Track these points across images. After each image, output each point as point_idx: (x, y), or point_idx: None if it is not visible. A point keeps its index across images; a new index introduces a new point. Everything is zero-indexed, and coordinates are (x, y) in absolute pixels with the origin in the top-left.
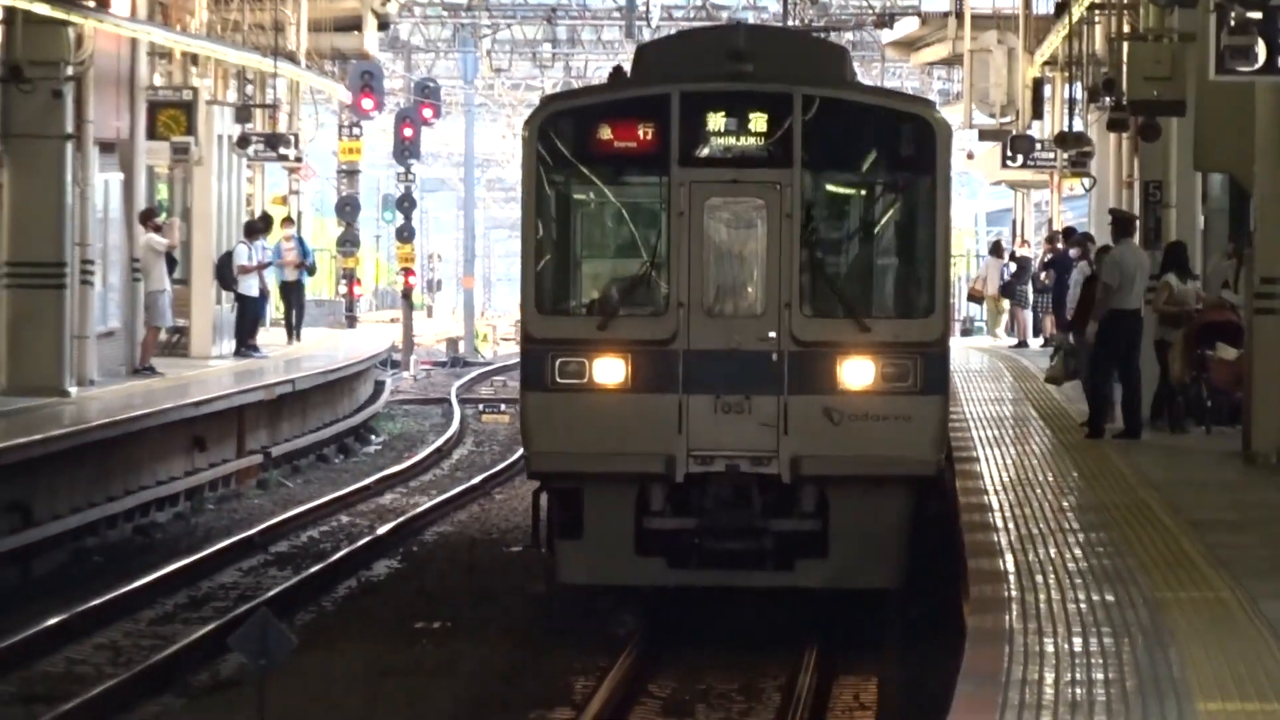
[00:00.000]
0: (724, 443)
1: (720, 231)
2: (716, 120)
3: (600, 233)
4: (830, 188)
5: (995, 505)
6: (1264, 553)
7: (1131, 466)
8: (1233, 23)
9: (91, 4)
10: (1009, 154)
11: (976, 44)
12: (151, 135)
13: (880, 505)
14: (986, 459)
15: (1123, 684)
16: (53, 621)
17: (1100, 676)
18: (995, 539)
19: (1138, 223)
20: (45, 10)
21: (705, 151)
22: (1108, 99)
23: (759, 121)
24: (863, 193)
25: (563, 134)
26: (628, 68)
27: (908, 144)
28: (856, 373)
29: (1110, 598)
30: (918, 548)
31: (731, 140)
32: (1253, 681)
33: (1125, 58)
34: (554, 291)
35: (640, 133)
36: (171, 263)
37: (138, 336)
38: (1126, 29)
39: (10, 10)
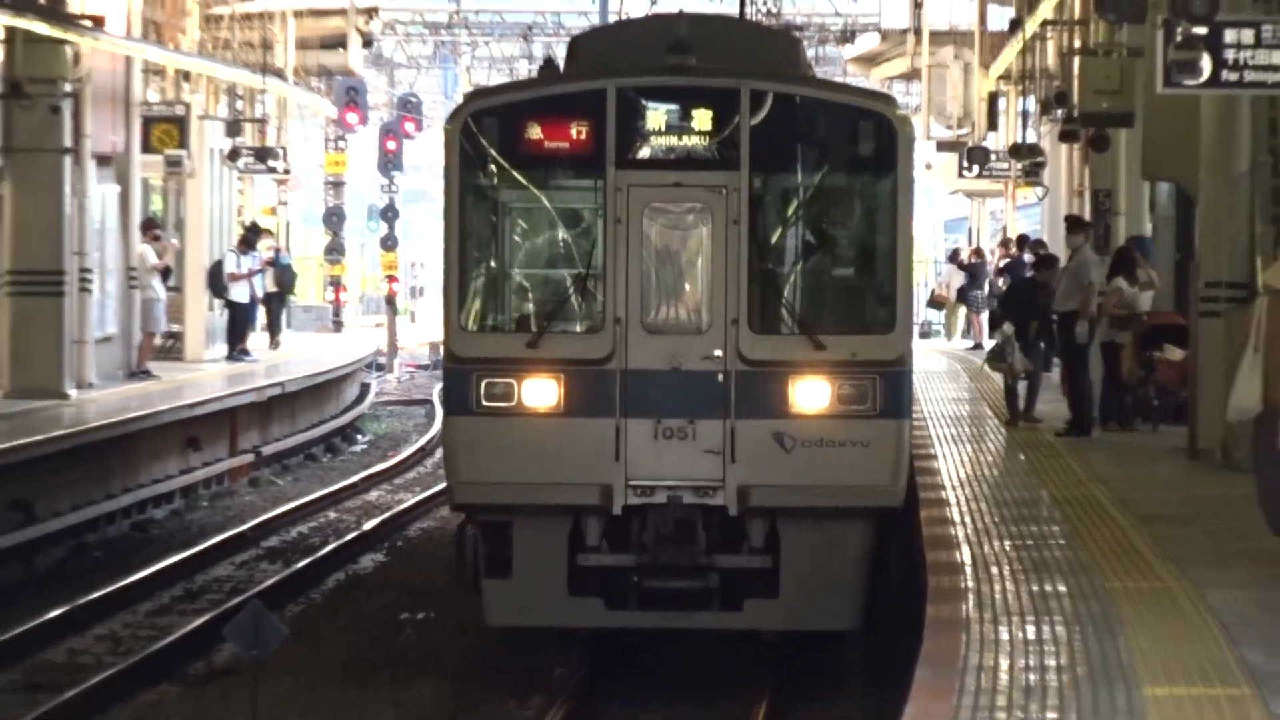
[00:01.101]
0: (665, 471)
1: (661, 240)
2: (657, 118)
3: (530, 242)
4: (782, 191)
5: (952, 500)
6: (1209, 545)
7: (1081, 463)
8: (1179, 38)
9: (88, 24)
10: (965, 164)
11: (934, 59)
12: (146, 149)
13: (837, 539)
14: (944, 456)
15: (1074, 670)
16: (55, 614)
17: (1053, 663)
18: (952, 532)
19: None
20: (44, 29)
21: (644, 152)
22: (1059, 111)
23: (703, 119)
24: (817, 197)
25: (488, 133)
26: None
27: (866, 143)
28: (810, 394)
29: (1062, 588)
30: (879, 586)
31: (673, 140)
32: (1197, 667)
33: (1076, 72)
34: (479, 306)
35: (573, 132)
36: (166, 272)
37: (134, 341)
38: (1078, 44)
39: (11, 29)
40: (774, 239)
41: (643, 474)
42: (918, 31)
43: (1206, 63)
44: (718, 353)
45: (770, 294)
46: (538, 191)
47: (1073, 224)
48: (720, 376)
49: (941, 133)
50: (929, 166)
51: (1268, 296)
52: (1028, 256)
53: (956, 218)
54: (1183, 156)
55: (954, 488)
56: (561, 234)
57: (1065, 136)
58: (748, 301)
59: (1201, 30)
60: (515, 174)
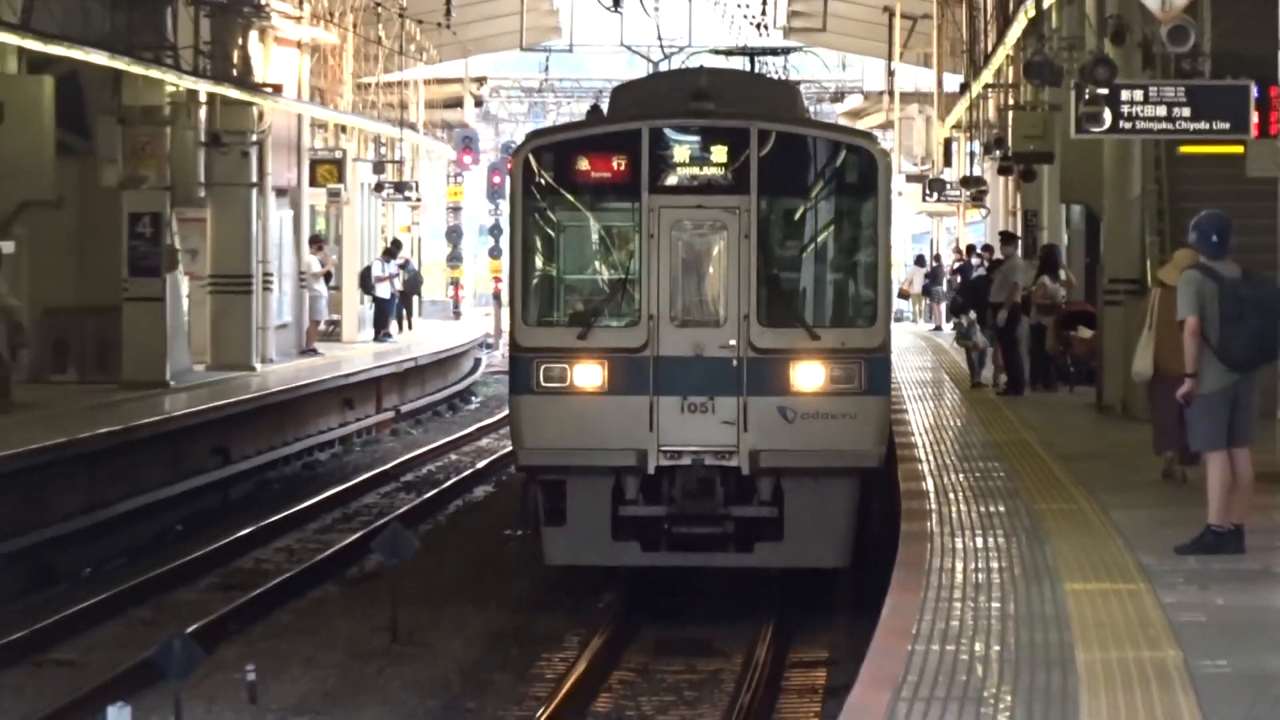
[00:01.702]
0: (690, 439)
1: (686, 251)
2: (682, 152)
3: (579, 252)
4: (784, 211)
5: (919, 444)
6: (1112, 476)
7: (1016, 415)
8: (1087, 97)
9: (269, 90)
10: (927, 192)
11: (903, 113)
12: (313, 183)
13: (830, 493)
14: (912, 410)
15: (1012, 571)
16: (245, 531)
17: (995, 565)
18: (920, 468)
19: (1019, 240)
20: (237, 94)
21: (672, 180)
22: (998, 152)
23: (720, 153)
24: (813, 215)
25: (545, 165)
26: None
27: (852, 172)
28: (808, 376)
29: (1002, 508)
30: (864, 531)
31: (696, 170)
32: (1104, 568)
33: (1010, 122)
34: (538, 306)
35: (614, 164)
36: (327, 275)
37: (303, 327)
38: (1011, 102)
39: (211, 94)
40: (778, 249)
41: (672, 441)
42: (891, 93)
43: (1108, 115)
44: (732, 342)
45: (775, 294)
46: (585, 212)
47: (1005, 238)
48: (735, 361)
49: (909, 168)
50: (900, 194)
51: (1159, 289)
52: (974, 260)
53: (921, 232)
54: (1091, 185)
55: (920, 434)
56: (604, 246)
57: (1002, 170)
58: (757, 300)
59: (1104, 91)
60: (567, 198)
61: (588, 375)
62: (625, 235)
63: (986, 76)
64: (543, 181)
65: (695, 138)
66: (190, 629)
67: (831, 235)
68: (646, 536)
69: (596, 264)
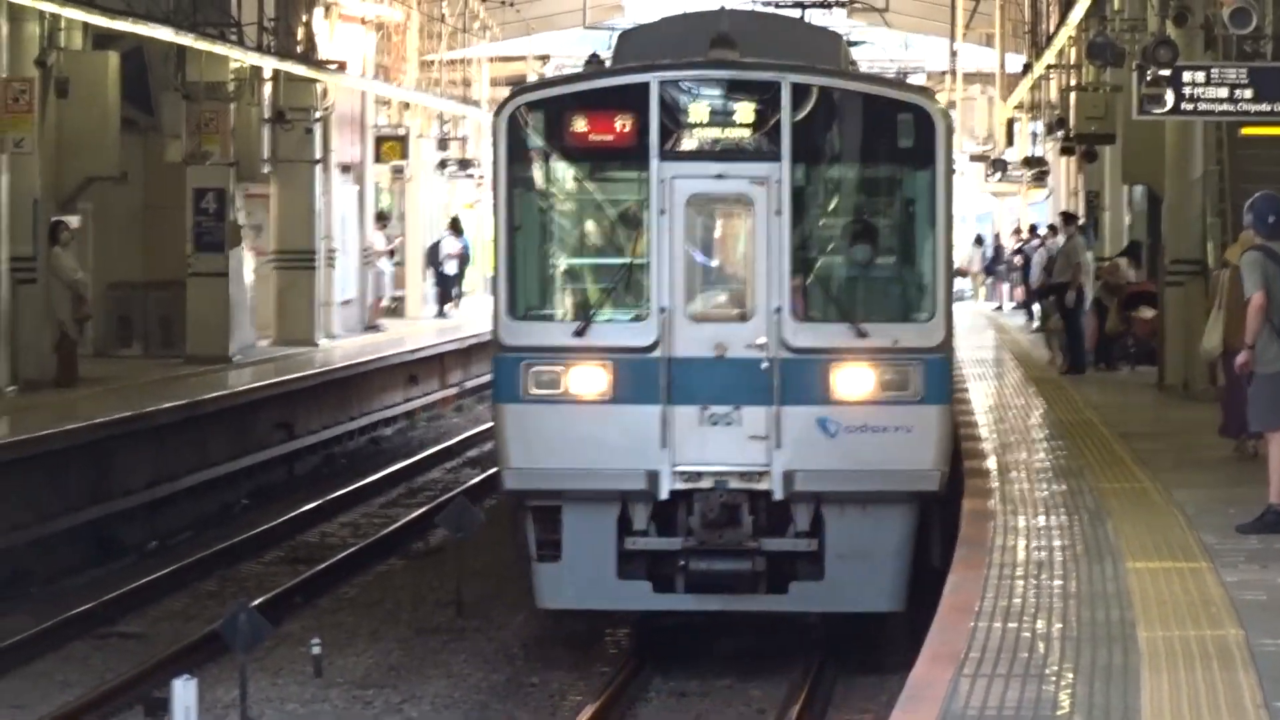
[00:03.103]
0: (711, 457)
1: (704, 230)
2: (699, 110)
3: (576, 232)
4: (823, 182)
5: (981, 423)
6: (1173, 455)
7: (1078, 394)
8: (1149, 78)
9: (333, 67)
10: (990, 172)
11: (966, 94)
12: (377, 160)
13: (880, 523)
14: (974, 389)
15: (1074, 549)
16: (310, 506)
17: (1058, 544)
18: (982, 447)
19: (1080, 220)
20: (301, 71)
21: (688, 144)
22: (1060, 132)
23: (745, 111)
24: (858, 187)
25: (534, 126)
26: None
27: (906, 135)
28: (853, 381)
29: (1064, 487)
30: (922, 568)
31: (716, 132)
32: (1166, 546)
33: (1073, 103)
34: (527, 297)
35: (617, 124)
36: (391, 252)
37: (367, 303)
38: (1073, 83)
39: (276, 71)
40: (816, 229)
41: (689, 460)
42: (954, 73)
43: (1170, 96)
44: (762, 340)
45: (813, 283)
46: (583, 184)
47: (1066, 219)
48: (764, 364)
49: (972, 148)
50: (962, 173)
51: (1230, 270)
52: (1034, 242)
53: (983, 212)
54: (1152, 166)
55: (983, 413)
56: (607, 224)
57: (1064, 151)
58: (790, 290)
59: (1166, 72)
60: (561, 166)
61: (587, 380)
62: (632, 211)
63: (1049, 57)
64: (532, 146)
65: (715, 93)
66: (256, 602)
67: (880, 211)
68: (659, 575)
69: (597, 246)
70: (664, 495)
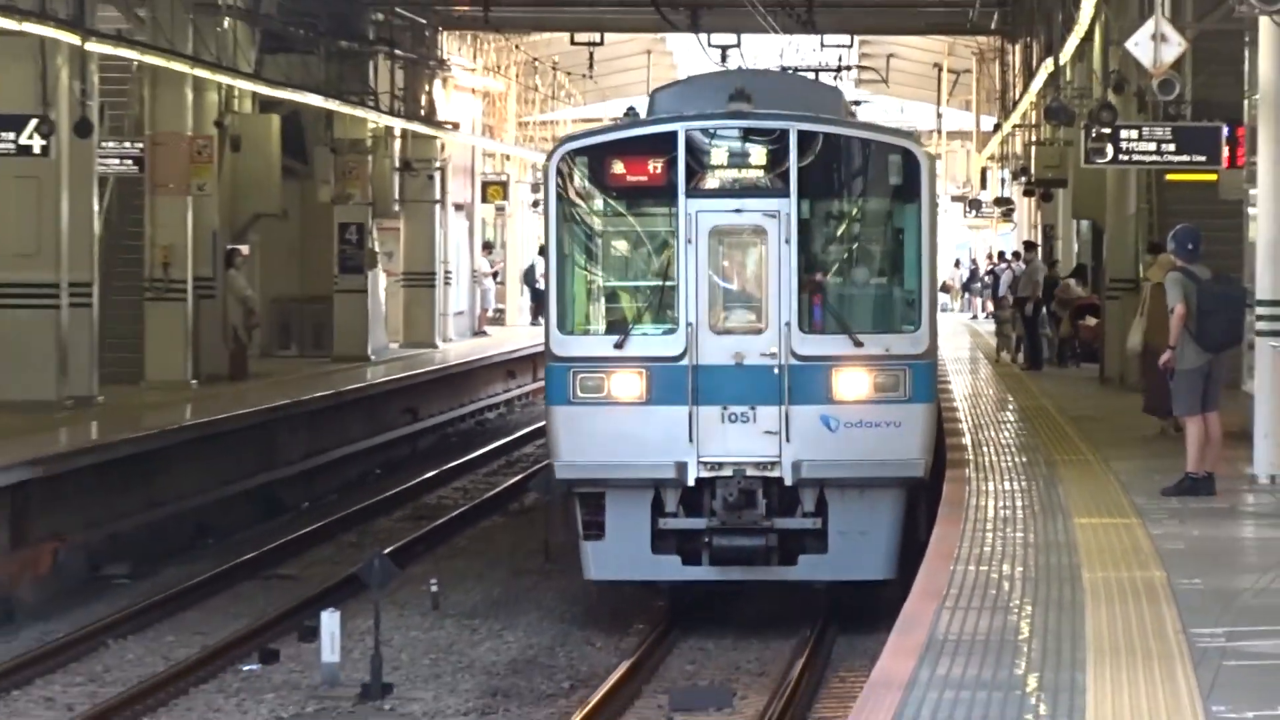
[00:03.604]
0: (731, 450)
1: (725, 256)
2: (720, 154)
3: (616, 259)
4: (825, 214)
5: (960, 408)
6: (1112, 434)
7: (1036, 385)
8: (1094, 135)
9: (449, 126)
10: (967, 210)
11: (949, 147)
12: (484, 200)
13: (874, 505)
14: (954, 381)
15: (1033, 508)
16: (430, 474)
17: (1020, 503)
18: (960, 426)
19: (1039, 247)
20: (423, 130)
21: (710, 183)
22: (1023, 178)
23: (759, 155)
24: (855, 218)
25: (579, 169)
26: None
27: (895, 174)
28: (851, 384)
29: (1024, 459)
30: (909, 542)
31: (734, 173)
32: (1106, 506)
33: (1033, 155)
34: (575, 314)
35: (650, 167)
36: (495, 274)
37: (476, 314)
38: (1034, 138)
39: (404, 130)
40: (819, 254)
41: (712, 452)
42: (940, 131)
43: (1110, 149)
44: (773, 350)
45: (817, 300)
46: (621, 217)
47: (1028, 246)
48: (776, 369)
49: (953, 190)
50: (945, 211)
51: (1149, 285)
52: (1000, 265)
53: (962, 241)
54: (1097, 204)
55: (961, 400)
56: (642, 252)
57: (1027, 193)
58: (798, 307)
59: (1107, 130)
60: (602, 203)
61: (625, 385)
62: (662, 241)
63: (1015, 118)
64: (577, 186)
65: (733, 139)
66: (387, 550)
67: (874, 238)
68: (687, 550)
69: (633, 270)
70: (691, 482)
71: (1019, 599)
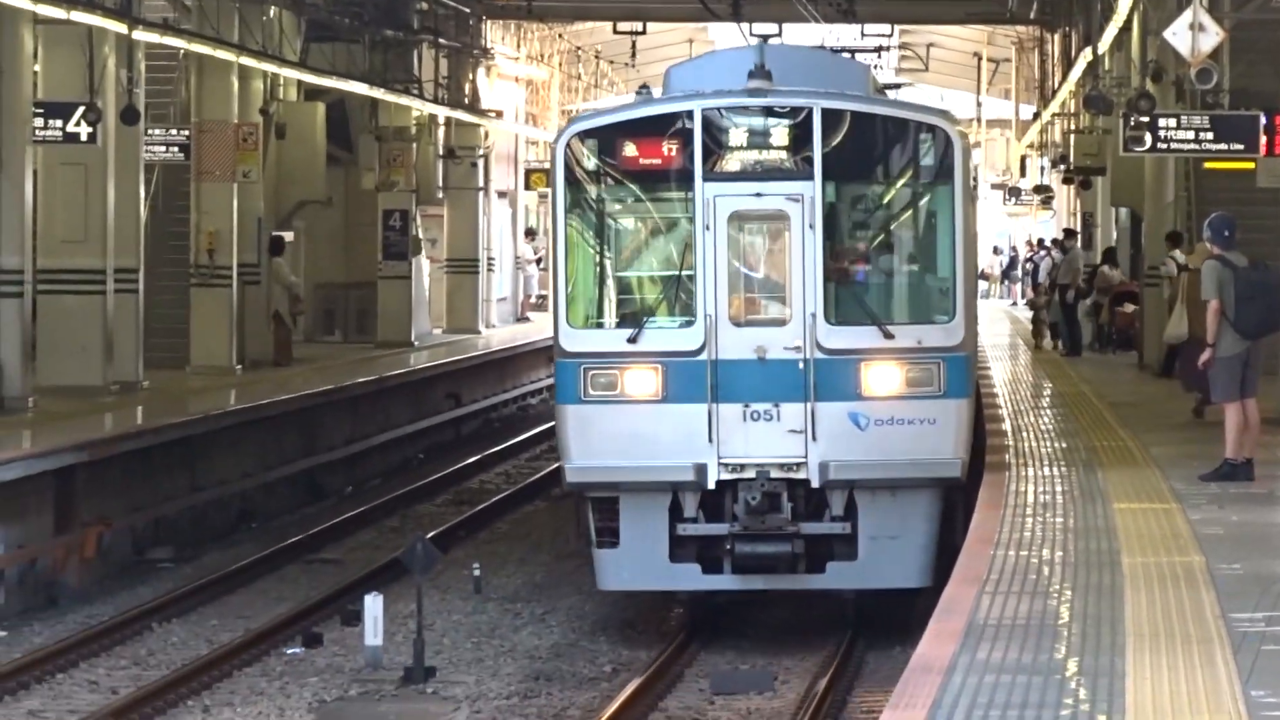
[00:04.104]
0: (754, 450)
1: (745, 243)
2: (739, 135)
3: (628, 248)
4: (852, 198)
5: (1000, 394)
6: (1150, 419)
7: (1075, 371)
8: (1132, 123)
9: (493, 115)
10: (1007, 197)
11: (989, 136)
12: (527, 187)
13: (908, 507)
14: (994, 368)
15: (1073, 493)
16: (472, 459)
17: (1060, 489)
18: (1000, 412)
19: (1079, 235)
20: (467, 118)
21: (729, 166)
22: (1062, 166)
23: (780, 135)
24: (884, 202)
25: (589, 152)
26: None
27: (926, 153)
28: (881, 379)
29: (1064, 445)
30: (946, 547)
31: (754, 154)
32: (1144, 491)
33: (1072, 143)
34: (585, 307)
35: (665, 149)
36: (538, 260)
37: (519, 300)
38: (1073, 127)
39: (448, 118)
40: (846, 240)
41: (733, 452)
42: (979, 120)
43: (1149, 138)
44: (798, 343)
45: (844, 290)
46: (634, 203)
47: (1068, 234)
48: (801, 364)
49: (993, 179)
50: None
51: (1186, 273)
52: (1040, 252)
53: (1002, 229)
54: (1135, 192)
55: (1001, 386)
56: (657, 240)
57: (1066, 180)
58: (824, 297)
59: (1145, 119)
60: (613, 187)
61: (640, 382)
62: (678, 227)
63: (1054, 107)
64: (586, 170)
65: (753, 119)
66: (429, 535)
67: (905, 223)
68: (707, 558)
69: (647, 260)
70: (711, 485)
71: (1059, 584)
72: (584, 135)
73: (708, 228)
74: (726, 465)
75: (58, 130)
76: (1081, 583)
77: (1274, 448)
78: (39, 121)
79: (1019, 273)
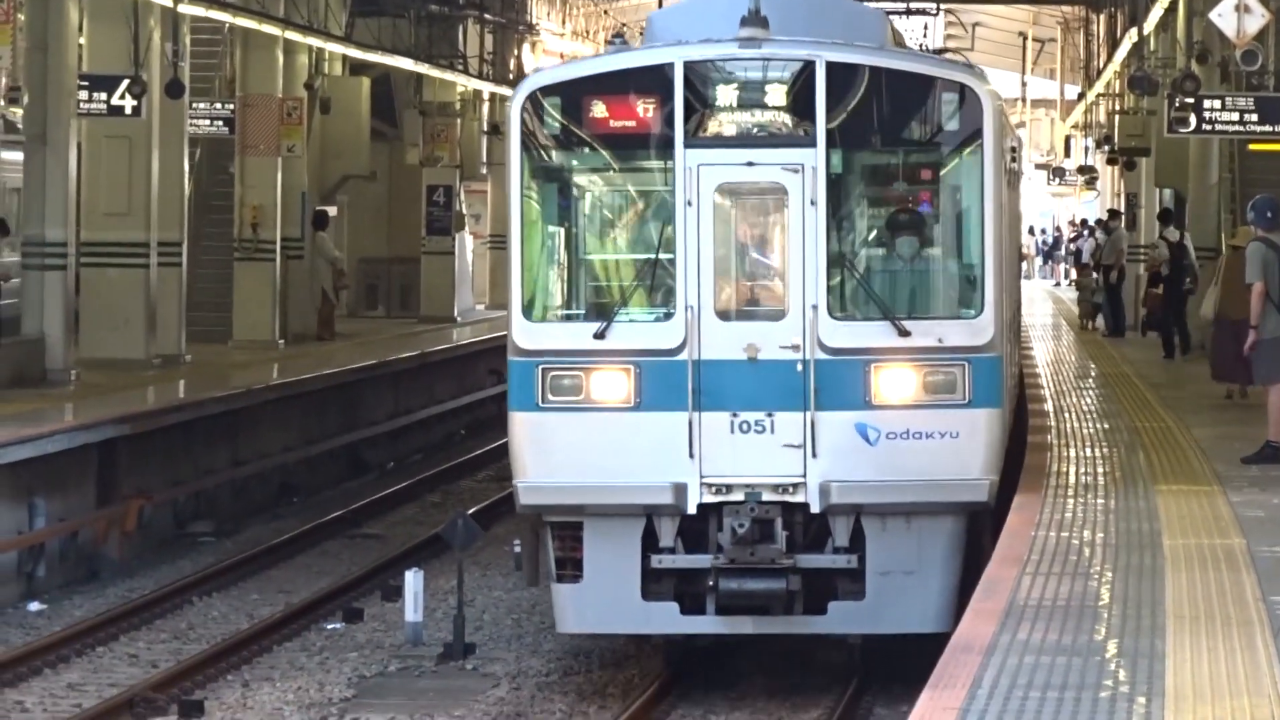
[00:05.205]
0: (742, 468)
1: (734, 222)
2: (728, 93)
3: (597, 226)
4: (861, 169)
5: (1041, 374)
6: (1192, 401)
7: (1117, 352)
8: (1177, 104)
9: None
10: (1051, 178)
11: (1033, 116)
12: None
13: (924, 537)
14: (1036, 348)
15: (1114, 475)
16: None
17: (1101, 470)
18: (1042, 392)
19: (1123, 215)
20: (509, 92)
21: (715, 130)
22: (1107, 146)
23: (777, 93)
24: (900, 174)
25: (551, 112)
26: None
27: (951, 117)
28: (895, 384)
29: (1106, 426)
30: (971, 585)
31: (746, 116)
32: (1186, 473)
33: (1117, 124)
34: (543, 295)
35: (640, 109)
36: None
37: None
38: (1118, 107)
39: (492, 93)
40: (854, 219)
41: (718, 471)
42: (1024, 100)
43: (1193, 119)
44: (796, 340)
45: (851, 278)
46: (603, 173)
47: (1112, 215)
48: (799, 366)
49: (1037, 159)
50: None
51: (1229, 252)
52: (1084, 232)
53: (1045, 209)
54: (1179, 173)
55: (1043, 366)
56: (629, 218)
57: (1110, 161)
58: (827, 286)
59: (1190, 100)
60: (579, 154)
61: (608, 386)
62: (656, 202)
63: (1099, 87)
64: (547, 134)
65: (744, 74)
66: (470, 511)
67: (925, 199)
68: (687, 595)
69: (618, 241)
70: (692, 509)
71: (1099, 565)
72: (545, 92)
73: (690, 203)
74: (710, 486)
75: (102, 103)
76: (1122, 564)
77: None
78: (83, 94)
79: (1062, 253)
